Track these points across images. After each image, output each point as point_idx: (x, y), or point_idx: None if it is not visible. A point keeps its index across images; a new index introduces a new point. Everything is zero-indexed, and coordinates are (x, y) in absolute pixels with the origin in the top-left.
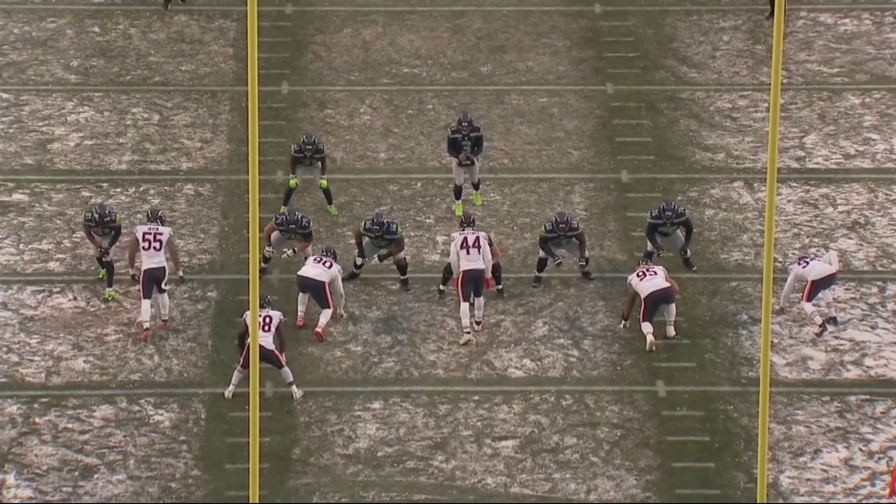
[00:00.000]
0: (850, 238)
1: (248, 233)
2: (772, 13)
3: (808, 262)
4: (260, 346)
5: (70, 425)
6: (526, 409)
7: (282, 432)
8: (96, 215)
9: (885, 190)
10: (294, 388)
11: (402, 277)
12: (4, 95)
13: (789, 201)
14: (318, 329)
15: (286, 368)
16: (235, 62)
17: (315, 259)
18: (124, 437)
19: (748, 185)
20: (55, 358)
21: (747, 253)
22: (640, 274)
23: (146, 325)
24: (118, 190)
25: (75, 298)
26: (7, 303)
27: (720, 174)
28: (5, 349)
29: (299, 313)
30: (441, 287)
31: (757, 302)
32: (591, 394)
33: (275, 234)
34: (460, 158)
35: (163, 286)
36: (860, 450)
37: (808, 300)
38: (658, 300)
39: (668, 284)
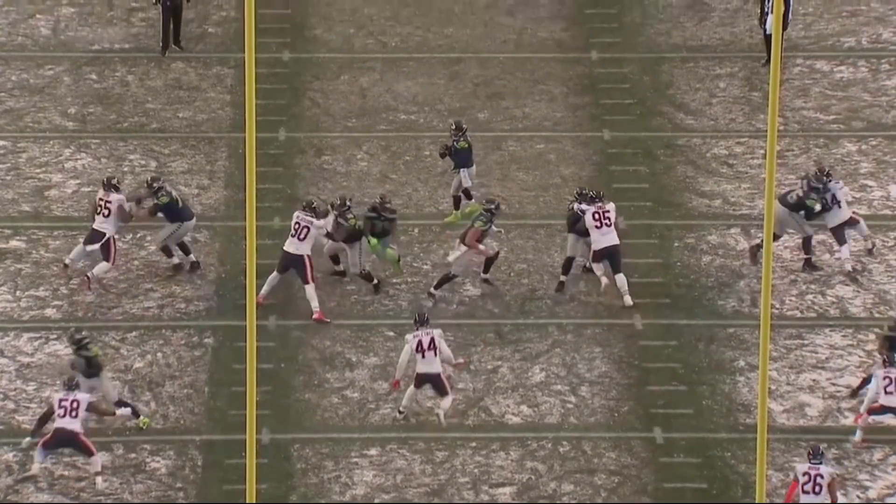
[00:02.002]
0: (847, 285)
1: (245, 279)
2: (768, 60)
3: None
4: (63, 429)
5: (66, 472)
6: (523, 456)
7: (278, 479)
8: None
9: (882, 237)
10: (98, 479)
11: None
12: (2, 142)
13: (786, 248)
14: (315, 315)
15: (95, 456)
16: (233, 109)
17: (294, 228)
18: (121, 484)
19: (745, 231)
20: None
21: (744, 299)
22: (596, 218)
23: (66, 261)
24: (115, 236)
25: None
26: (3, 350)
27: (717, 220)
28: (1, 396)
29: (262, 290)
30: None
31: (754, 348)
32: (589, 440)
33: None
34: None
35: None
36: (858, 497)
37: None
38: (605, 256)
39: (617, 242)
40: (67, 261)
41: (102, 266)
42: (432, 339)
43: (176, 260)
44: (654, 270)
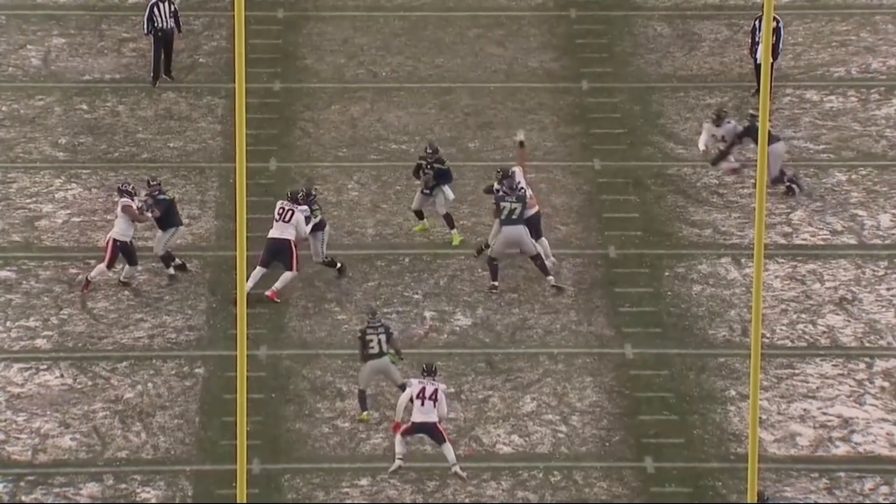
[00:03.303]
0: (837, 314)
1: (235, 309)
2: (758, 90)
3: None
4: None
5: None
6: (514, 486)
7: None
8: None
9: (872, 266)
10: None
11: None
12: None
13: (776, 277)
14: (270, 292)
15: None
16: (223, 139)
17: (279, 213)
18: None
19: (735, 260)
20: (42, 435)
21: (735, 329)
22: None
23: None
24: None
25: (62, 376)
26: None
27: (707, 250)
28: None
29: (248, 284)
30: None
31: (745, 378)
32: (580, 470)
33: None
34: (424, 180)
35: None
36: None
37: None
38: (533, 224)
39: (537, 208)
40: (123, 278)
41: (99, 268)
42: (435, 391)
43: (178, 261)
44: (644, 300)
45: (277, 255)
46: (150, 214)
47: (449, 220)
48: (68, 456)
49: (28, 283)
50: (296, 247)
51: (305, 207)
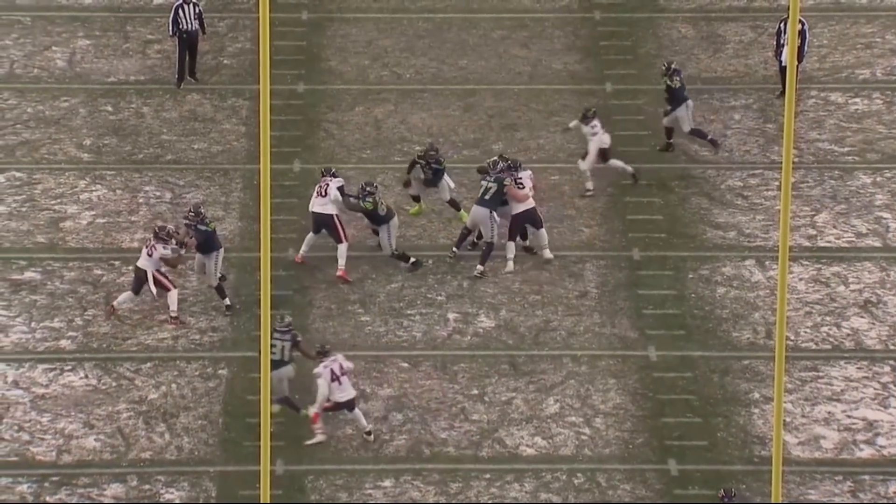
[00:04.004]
0: (862, 317)
1: (259, 310)
2: (783, 92)
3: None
4: None
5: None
6: (537, 488)
7: None
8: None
9: None
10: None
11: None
12: (17, 174)
13: (801, 280)
14: (339, 272)
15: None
16: (248, 140)
17: (317, 190)
18: None
19: (760, 263)
20: (66, 436)
21: (759, 331)
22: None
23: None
24: (130, 268)
25: (87, 376)
26: (18, 381)
27: (731, 252)
28: (16, 428)
29: (302, 249)
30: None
31: (769, 380)
32: (603, 472)
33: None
34: (409, 178)
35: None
36: None
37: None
38: (524, 220)
39: (534, 204)
40: (115, 304)
41: (171, 298)
42: (341, 366)
43: (228, 302)
44: (668, 302)
45: (322, 227)
46: (185, 246)
47: (454, 204)
48: (92, 457)
49: (53, 284)
50: (339, 219)
51: (340, 179)
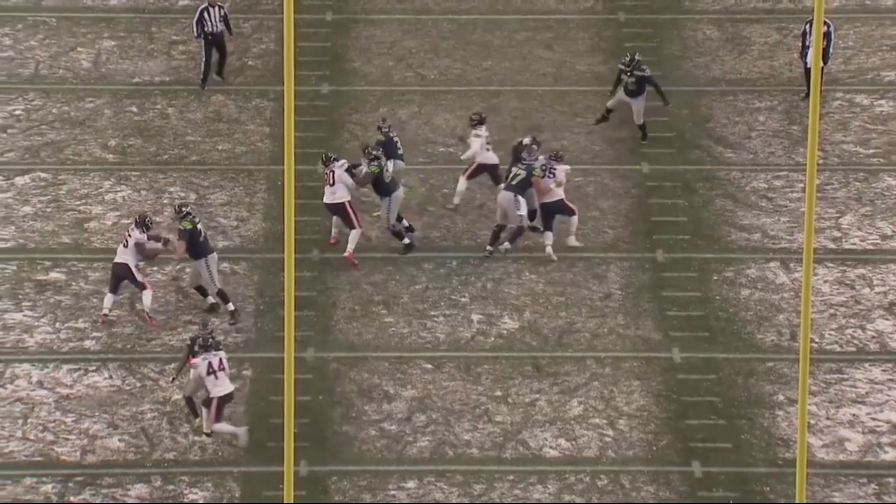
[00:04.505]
0: (887, 319)
1: (283, 311)
2: (808, 94)
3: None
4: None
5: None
6: (561, 490)
7: None
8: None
9: None
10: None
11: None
12: (43, 175)
13: (825, 282)
14: (346, 254)
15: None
16: (272, 141)
17: (326, 180)
18: None
19: (784, 265)
20: (90, 436)
21: (783, 333)
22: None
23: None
24: (154, 268)
25: (111, 377)
26: (43, 381)
27: (756, 254)
28: (41, 428)
29: (332, 232)
30: None
31: (793, 382)
32: (627, 474)
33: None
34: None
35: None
36: None
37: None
38: (554, 211)
39: (562, 196)
40: (106, 311)
41: (146, 297)
42: (221, 360)
43: (231, 307)
44: (692, 304)
45: (335, 215)
46: (166, 244)
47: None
48: (116, 457)
49: (77, 284)
50: (350, 206)
51: (343, 161)
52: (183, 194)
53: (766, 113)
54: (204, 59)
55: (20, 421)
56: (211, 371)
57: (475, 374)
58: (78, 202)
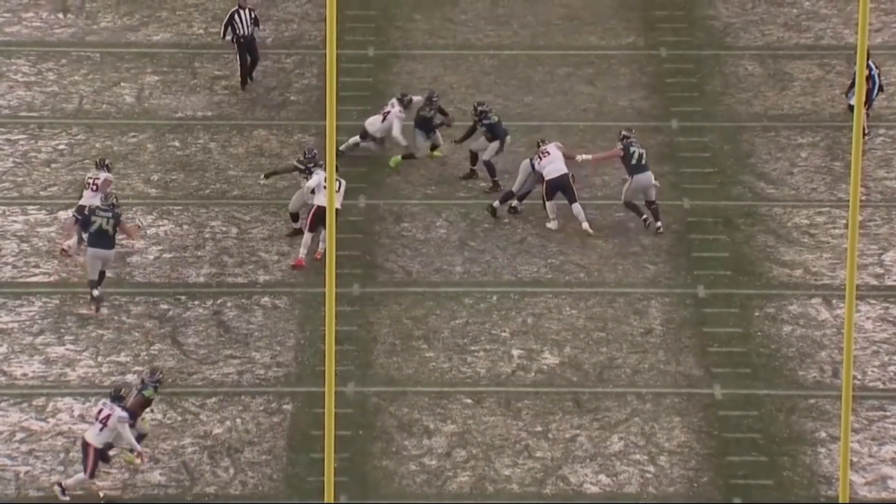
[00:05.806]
0: None
1: (324, 346)
2: (867, 132)
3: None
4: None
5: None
6: None
7: None
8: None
9: None
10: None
11: None
12: None
13: (868, 318)
14: (317, 254)
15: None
16: None
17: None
18: None
19: (826, 301)
20: (132, 471)
21: (825, 370)
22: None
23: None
24: (196, 302)
25: (152, 411)
26: (85, 415)
27: (798, 290)
28: (82, 461)
29: (319, 247)
30: None
31: (836, 420)
32: None
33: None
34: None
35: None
36: None
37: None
38: (557, 186)
39: (566, 171)
40: (65, 246)
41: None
42: (108, 416)
43: (96, 293)
44: (734, 340)
45: (321, 222)
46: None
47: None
48: (157, 491)
49: (119, 318)
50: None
51: (319, 171)
52: (224, 229)
53: (809, 149)
54: (239, 62)
55: (62, 455)
56: (97, 416)
57: (515, 410)
58: (120, 236)
